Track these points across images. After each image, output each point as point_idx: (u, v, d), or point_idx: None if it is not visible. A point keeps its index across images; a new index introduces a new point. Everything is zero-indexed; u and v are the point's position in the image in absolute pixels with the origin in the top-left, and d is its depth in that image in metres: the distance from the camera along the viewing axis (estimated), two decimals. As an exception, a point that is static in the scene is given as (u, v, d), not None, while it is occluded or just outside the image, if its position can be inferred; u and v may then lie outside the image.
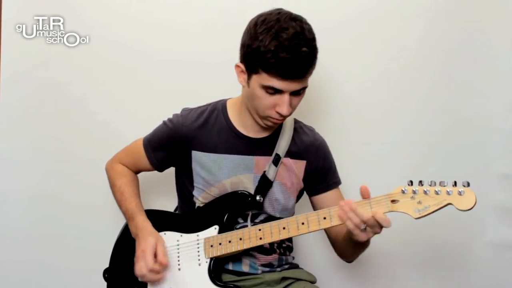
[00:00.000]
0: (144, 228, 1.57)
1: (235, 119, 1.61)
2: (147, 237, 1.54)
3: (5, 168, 2.04)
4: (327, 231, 1.64)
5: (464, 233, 2.05)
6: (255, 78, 1.43)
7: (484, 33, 2.02)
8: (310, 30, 1.41)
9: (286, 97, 1.42)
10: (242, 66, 1.47)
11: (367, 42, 2.02)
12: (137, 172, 1.75)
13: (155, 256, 1.51)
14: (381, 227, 1.34)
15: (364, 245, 1.50)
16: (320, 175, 1.66)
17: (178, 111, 1.66)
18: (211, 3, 2.01)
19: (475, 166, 2.03)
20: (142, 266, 1.50)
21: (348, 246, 1.53)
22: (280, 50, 1.35)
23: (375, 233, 1.36)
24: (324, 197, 1.66)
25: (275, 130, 1.60)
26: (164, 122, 1.66)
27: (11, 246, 2.05)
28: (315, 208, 1.68)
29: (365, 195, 1.36)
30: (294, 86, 1.41)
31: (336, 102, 2.03)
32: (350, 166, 2.00)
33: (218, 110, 1.63)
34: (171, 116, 1.66)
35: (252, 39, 1.40)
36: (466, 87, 2.05)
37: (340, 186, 1.71)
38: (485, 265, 2.07)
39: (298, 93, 1.45)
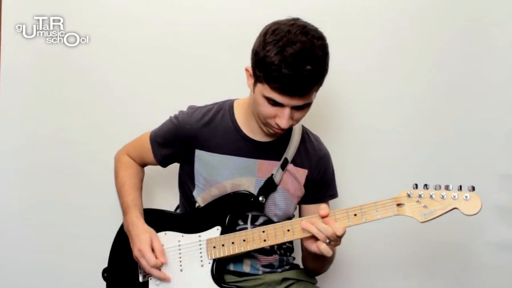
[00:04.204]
0: (135, 224, 1.56)
1: (242, 121, 1.59)
2: (140, 234, 1.53)
3: (5, 168, 2.03)
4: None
5: (464, 233, 2.05)
6: (259, 87, 1.41)
7: (484, 32, 2.02)
8: (322, 47, 1.37)
9: (286, 110, 1.40)
10: (251, 70, 1.46)
11: (367, 42, 2.02)
12: (142, 165, 1.75)
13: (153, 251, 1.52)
14: (340, 239, 1.39)
15: (329, 259, 1.59)
16: (317, 186, 1.66)
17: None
18: (212, 3, 2.00)
19: (475, 166, 2.03)
20: (145, 265, 1.51)
21: (317, 260, 1.56)
22: (283, 65, 1.31)
23: (336, 245, 1.41)
24: (313, 208, 1.64)
25: (282, 135, 1.57)
26: (170, 119, 1.65)
27: (10, 245, 2.04)
28: (301, 216, 1.68)
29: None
30: (296, 102, 1.38)
31: (336, 103, 2.03)
32: (351, 167, 2.01)
33: (224, 110, 1.61)
34: (177, 113, 1.65)
35: (260, 48, 1.37)
36: (466, 87, 2.05)
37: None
38: (485, 265, 2.08)
39: (301, 108, 1.43)
